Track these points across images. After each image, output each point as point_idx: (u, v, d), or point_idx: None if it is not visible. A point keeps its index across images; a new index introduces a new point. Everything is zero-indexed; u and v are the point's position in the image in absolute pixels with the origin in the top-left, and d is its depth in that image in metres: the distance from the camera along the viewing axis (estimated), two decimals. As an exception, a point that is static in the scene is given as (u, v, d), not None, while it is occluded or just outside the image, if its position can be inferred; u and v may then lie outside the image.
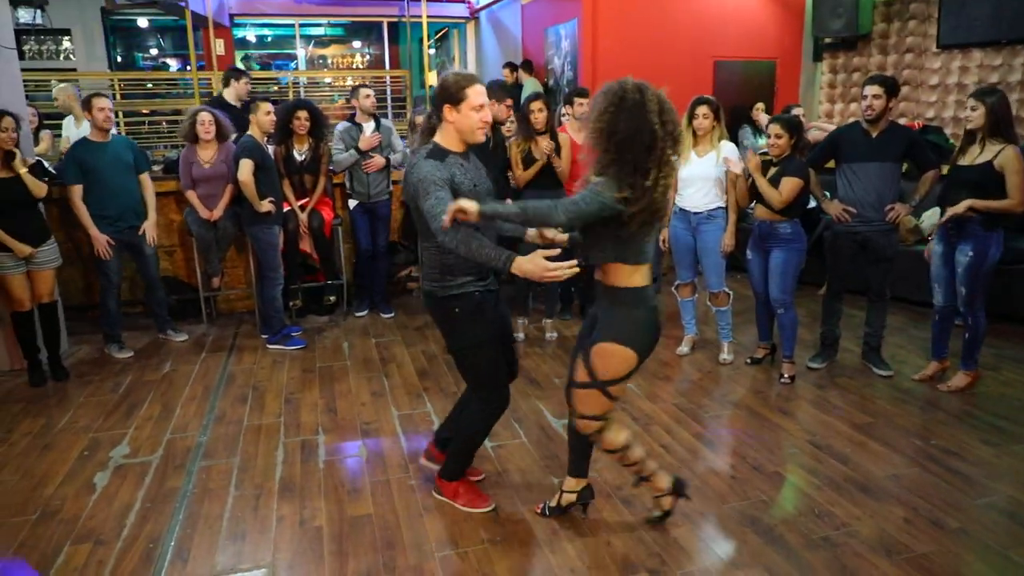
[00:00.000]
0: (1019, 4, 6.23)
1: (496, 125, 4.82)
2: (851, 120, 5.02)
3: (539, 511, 2.94)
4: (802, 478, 3.21)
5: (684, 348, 4.81)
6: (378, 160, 5.38)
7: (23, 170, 4.13)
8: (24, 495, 3.15)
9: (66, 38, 9.80)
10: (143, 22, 11.80)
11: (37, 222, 4.32)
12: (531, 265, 2.35)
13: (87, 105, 4.66)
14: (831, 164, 4.39)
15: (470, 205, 2.30)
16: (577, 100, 5.19)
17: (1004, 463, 3.32)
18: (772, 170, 4.14)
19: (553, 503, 2.93)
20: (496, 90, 4.79)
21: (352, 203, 5.53)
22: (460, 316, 2.68)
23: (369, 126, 5.45)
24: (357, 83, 5.80)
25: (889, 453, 3.42)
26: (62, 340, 4.71)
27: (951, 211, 3.85)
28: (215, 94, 7.02)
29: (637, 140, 2.30)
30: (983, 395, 4.02)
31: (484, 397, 2.82)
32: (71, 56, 9.82)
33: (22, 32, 8.85)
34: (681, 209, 4.56)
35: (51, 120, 6.55)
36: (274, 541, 2.80)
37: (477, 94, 2.54)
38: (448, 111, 2.55)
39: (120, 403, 4.13)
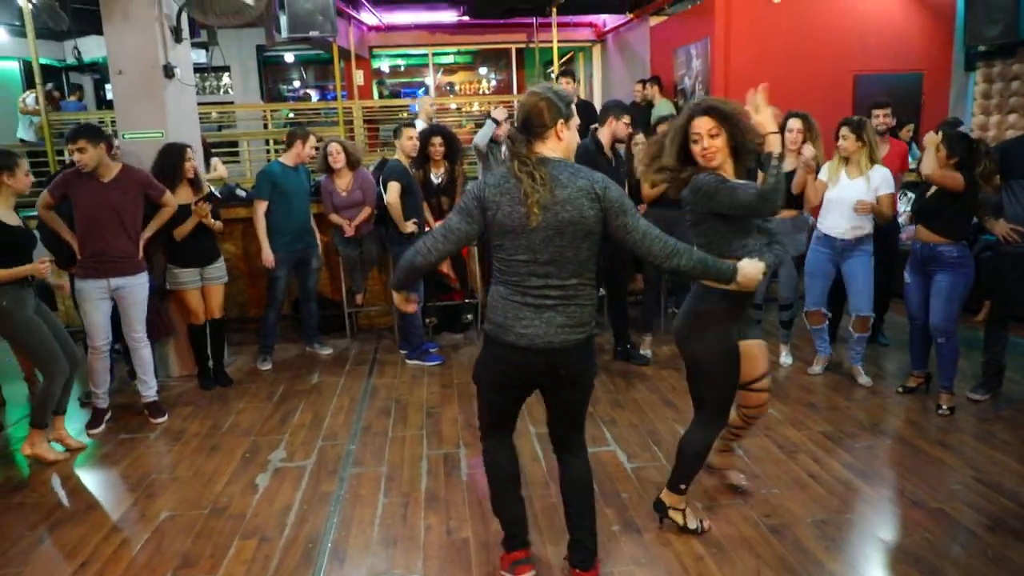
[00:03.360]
0: None
1: (615, 143, 4.83)
2: (1016, 134, 4.67)
3: None
4: (969, 517, 2.98)
5: (817, 368, 4.66)
6: None
7: (208, 219, 4.51)
8: (197, 491, 3.43)
9: (226, 74, 10.71)
10: (289, 57, 12.68)
11: (210, 242, 4.73)
12: (754, 270, 2.41)
13: (303, 138, 5.13)
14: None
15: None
16: (875, 112, 4.90)
17: None
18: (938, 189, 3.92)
19: None
20: (613, 108, 4.82)
21: None
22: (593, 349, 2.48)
23: None
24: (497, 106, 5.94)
25: (1069, 493, 3.13)
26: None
27: None
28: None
29: None
30: None
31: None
32: (229, 91, 10.72)
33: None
34: (824, 235, 4.40)
35: (217, 148, 7.15)
36: (423, 549, 2.90)
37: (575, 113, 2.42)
38: (562, 127, 2.32)
39: (275, 410, 4.42)
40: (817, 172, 4.36)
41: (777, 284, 4.82)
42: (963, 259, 3.88)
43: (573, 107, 2.37)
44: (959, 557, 2.72)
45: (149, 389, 4.31)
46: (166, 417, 4.30)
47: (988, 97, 7.77)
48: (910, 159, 6.19)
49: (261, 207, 5.03)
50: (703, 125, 2.61)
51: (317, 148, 5.26)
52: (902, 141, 5.33)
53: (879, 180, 4.20)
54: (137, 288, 4.15)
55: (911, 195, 4.68)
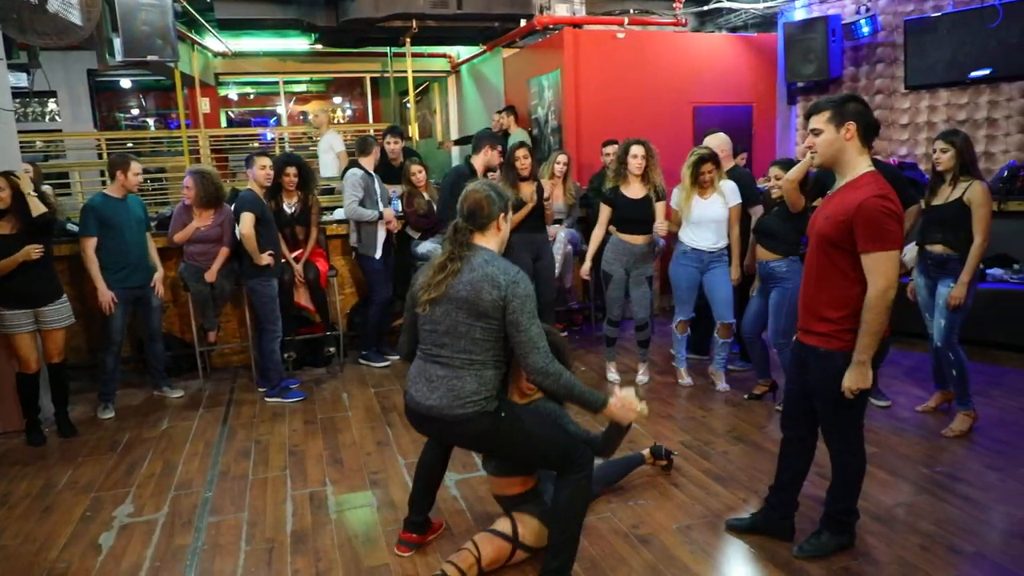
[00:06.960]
0: (973, 48, 6.55)
1: (487, 171, 4.96)
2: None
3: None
4: (816, 510, 3.21)
5: (687, 379, 4.95)
6: (395, 223, 5.53)
7: (28, 189, 4.07)
8: (27, 559, 3.07)
9: (52, 100, 9.84)
10: (126, 83, 11.88)
11: (49, 279, 4.31)
12: (623, 410, 2.50)
13: (123, 167, 4.68)
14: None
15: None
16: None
17: (1011, 486, 3.36)
18: (775, 209, 4.26)
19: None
20: (488, 138, 4.96)
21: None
22: (507, 415, 2.56)
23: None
24: (377, 134, 5.84)
25: (896, 481, 3.46)
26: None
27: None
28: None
29: None
30: (981, 420, 4.07)
31: (578, 462, 2.60)
32: (56, 118, 9.86)
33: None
34: (693, 249, 4.67)
35: (50, 180, 6.58)
36: (291, 595, 2.75)
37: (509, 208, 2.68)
38: (502, 219, 2.58)
39: (120, 461, 4.06)
40: (668, 198, 4.69)
41: (631, 305, 5.00)
42: (791, 273, 4.22)
43: (509, 203, 2.61)
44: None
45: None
46: (-22, 482, 3.83)
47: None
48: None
49: (89, 244, 4.60)
50: None
51: (139, 174, 4.80)
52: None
53: (729, 193, 4.61)
54: None
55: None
